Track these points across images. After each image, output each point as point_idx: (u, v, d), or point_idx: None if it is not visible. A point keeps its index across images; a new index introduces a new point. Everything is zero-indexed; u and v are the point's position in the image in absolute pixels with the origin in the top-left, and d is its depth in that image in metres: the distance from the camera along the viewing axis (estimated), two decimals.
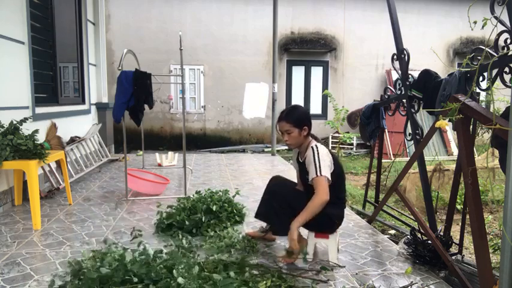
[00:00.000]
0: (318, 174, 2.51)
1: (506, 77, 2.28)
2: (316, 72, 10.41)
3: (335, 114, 9.75)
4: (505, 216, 1.67)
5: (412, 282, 2.43)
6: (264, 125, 10.09)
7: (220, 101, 9.94)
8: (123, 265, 2.04)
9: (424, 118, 8.98)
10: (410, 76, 3.37)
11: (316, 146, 2.61)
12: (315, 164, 2.53)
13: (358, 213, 4.48)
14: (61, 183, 4.60)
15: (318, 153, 2.56)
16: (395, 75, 9.24)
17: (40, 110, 4.66)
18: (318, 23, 10.09)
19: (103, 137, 6.81)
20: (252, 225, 3.45)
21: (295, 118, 2.65)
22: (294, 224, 2.49)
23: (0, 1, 3.89)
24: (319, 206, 2.48)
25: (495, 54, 2.28)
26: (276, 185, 2.85)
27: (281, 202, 2.66)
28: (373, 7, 9.94)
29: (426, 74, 3.15)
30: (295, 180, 3.01)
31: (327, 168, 2.54)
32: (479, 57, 2.22)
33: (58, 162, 4.48)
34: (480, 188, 2.41)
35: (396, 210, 4.43)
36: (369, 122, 4.16)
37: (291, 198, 2.66)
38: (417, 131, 3.26)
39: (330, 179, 2.53)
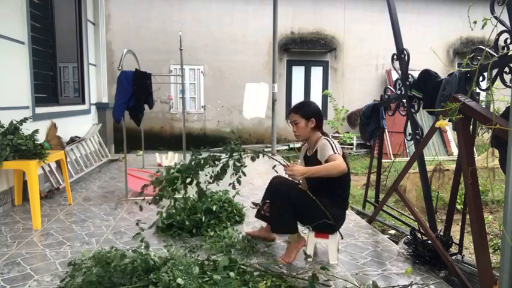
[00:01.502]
0: (337, 152, 2.55)
1: (506, 77, 2.28)
2: (316, 72, 10.41)
3: (335, 114, 9.75)
4: (505, 216, 1.67)
5: (412, 282, 2.43)
6: (264, 125, 10.09)
7: (220, 101, 9.94)
8: (123, 266, 2.04)
9: (424, 118, 8.98)
10: (410, 76, 3.37)
11: (330, 138, 2.70)
12: (332, 147, 2.59)
13: (358, 213, 4.48)
14: (61, 183, 4.60)
15: (333, 142, 2.66)
16: (395, 75, 9.23)
17: (40, 110, 4.66)
18: (318, 23, 10.09)
19: (103, 137, 6.81)
20: (252, 225, 3.45)
21: (303, 110, 2.78)
22: (304, 168, 2.48)
23: (0, 1, 3.89)
24: (335, 168, 2.45)
25: (495, 54, 2.28)
26: (278, 183, 2.85)
27: (282, 201, 2.67)
28: (373, 7, 9.94)
29: (426, 74, 3.15)
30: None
31: (340, 151, 2.61)
32: (479, 57, 2.22)
33: (58, 162, 4.48)
34: (480, 188, 2.41)
35: (396, 210, 4.43)
36: (368, 122, 4.16)
37: (292, 196, 2.66)
38: (417, 131, 3.26)
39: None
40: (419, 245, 2.82)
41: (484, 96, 7.07)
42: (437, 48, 10.15)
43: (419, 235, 2.93)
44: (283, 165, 2.51)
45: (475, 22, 2.03)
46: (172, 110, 9.77)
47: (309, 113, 2.75)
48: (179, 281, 1.91)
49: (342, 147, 2.82)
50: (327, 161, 2.54)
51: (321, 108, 10.75)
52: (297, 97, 10.40)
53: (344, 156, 2.65)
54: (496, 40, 2.33)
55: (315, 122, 2.74)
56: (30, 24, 4.41)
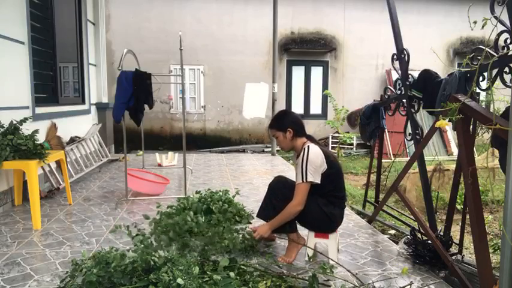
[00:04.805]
0: (303, 180, 2.57)
1: (506, 77, 2.28)
2: (316, 72, 10.40)
3: (335, 114, 9.75)
4: (505, 216, 1.67)
5: (411, 282, 2.43)
6: (264, 125, 10.08)
7: (220, 101, 9.94)
8: (123, 266, 2.04)
9: (424, 118, 8.98)
10: (410, 76, 3.37)
11: (308, 147, 2.63)
12: (302, 168, 2.58)
13: (358, 213, 4.48)
14: (61, 183, 4.60)
15: (307, 156, 2.59)
16: (395, 75, 9.23)
17: (40, 110, 4.66)
18: (318, 23, 10.08)
19: (103, 137, 6.80)
20: (252, 225, 3.45)
21: (278, 122, 2.79)
22: (267, 225, 2.69)
23: (0, 1, 3.89)
24: (291, 215, 2.62)
25: (495, 54, 2.28)
26: (276, 182, 2.86)
27: (280, 199, 2.68)
28: (373, 7, 9.93)
29: (426, 74, 3.15)
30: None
31: (313, 172, 2.57)
32: (479, 57, 2.22)
33: (58, 162, 4.48)
34: (480, 188, 2.41)
35: (396, 210, 4.43)
36: (368, 122, 4.16)
37: (289, 194, 2.67)
38: (417, 131, 3.26)
39: (317, 181, 2.59)
40: (419, 245, 2.82)
41: (484, 96, 7.07)
42: (437, 48, 10.14)
43: (419, 235, 2.93)
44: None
45: (475, 22, 2.02)
46: (172, 110, 9.77)
47: (284, 124, 2.73)
48: (179, 281, 1.91)
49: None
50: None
51: (321, 108, 10.62)
52: (297, 97, 10.41)
53: (329, 156, 2.68)
54: (496, 40, 2.33)
55: (292, 131, 2.72)
56: (30, 24, 4.41)
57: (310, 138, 2.78)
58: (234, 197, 3.76)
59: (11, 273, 2.51)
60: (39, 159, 3.54)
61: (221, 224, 3.28)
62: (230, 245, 2.61)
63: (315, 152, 2.60)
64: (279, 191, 2.73)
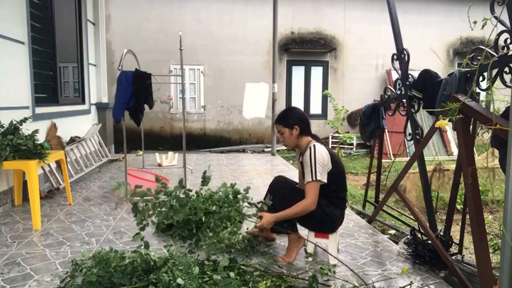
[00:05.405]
0: (313, 178, 2.55)
1: (506, 77, 2.28)
2: (316, 72, 10.40)
3: (335, 114, 9.75)
4: (505, 216, 1.67)
5: (411, 282, 2.43)
6: (264, 125, 10.09)
7: (220, 101, 9.94)
8: (123, 267, 2.04)
9: (424, 118, 8.98)
10: (410, 76, 3.37)
11: (314, 146, 2.62)
12: (311, 167, 2.56)
13: (358, 213, 4.48)
14: (61, 183, 4.60)
15: (314, 154, 2.58)
16: (395, 75, 9.22)
17: (40, 110, 4.66)
18: (318, 23, 10.09)
19: (103, 137, 6.80)
20: (252, 224, 3.44)
21: (285, 118, 2.75)
22: (272, 215, 2.60)
23: (0, 1, 3.89)
24: (303, 211, 2.58)
25: (495, 54, 2.28)
26: (277, 182, 2.86)
27: (280, 199, 2.68)
28: (373, 7, 9.93)
29: (426, 74, 3.15)
30: (297, 180, 3.02)
31: (321, 171, 2.57)
32: (479, 57, 2.22)
33: (58, 162, 4.48)
34: (480, 188, 2.41)
35: (396, 210, 4.43)
36: (368, 122, 4.16)
37: (289, 194, 2.67)
38: (417, 131, 3.26)
39: (324, 180, 2.59)
40: (419, 245, 2.82)
41: (484, 96, 7.06)
42: (437, 48, 10.14)
43: (419, 235, 2.93)
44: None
45: (475, 22, 2.03)
46: (172, 110, 9.77)
47: (291, 121, 2.71)
48: (179, 281, 1.91)
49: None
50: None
51: (321, 108, 10.59)
52: (297, 97, 10.41)
53: (334, 155, 2.68)
54: (496, 40, 2.33)
55: (299, 129, 2.70)
56: (30, 24, 4.41)
57: (315, 138, 2.78)
58: (233, 196, 3.75)
59: (11, 273, 2.51)
60: (39, 159, 3.54)
61: (222, 225, 3.28)
62: (232, 231, 2.60)
63: (322, 151, 2.60)
64: (279, 191, 2.73)
